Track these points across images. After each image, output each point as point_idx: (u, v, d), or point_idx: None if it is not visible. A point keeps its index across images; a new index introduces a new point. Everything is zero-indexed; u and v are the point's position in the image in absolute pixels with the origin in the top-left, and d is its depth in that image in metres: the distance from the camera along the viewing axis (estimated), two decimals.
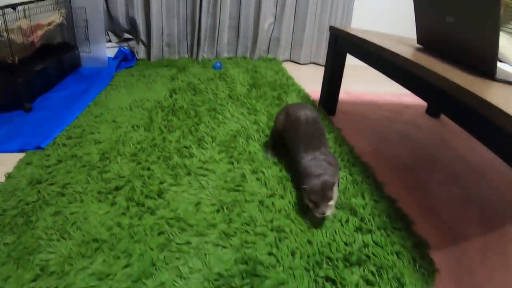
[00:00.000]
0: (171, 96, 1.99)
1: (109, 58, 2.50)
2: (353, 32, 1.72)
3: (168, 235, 1.06)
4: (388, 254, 1.08)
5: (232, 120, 1.80)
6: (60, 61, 2.11)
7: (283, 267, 1.00)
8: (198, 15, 2.68)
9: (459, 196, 1.45)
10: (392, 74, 1.44)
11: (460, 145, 1.89)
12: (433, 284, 1.02)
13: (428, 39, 1.47)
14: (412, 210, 1.32)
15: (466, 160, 1.74)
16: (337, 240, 1.11)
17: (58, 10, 2.19)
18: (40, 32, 1.96)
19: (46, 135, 1.51)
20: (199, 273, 0.95)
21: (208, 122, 1.76)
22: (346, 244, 1.10)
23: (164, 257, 0.99)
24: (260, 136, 1.68)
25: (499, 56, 1.22)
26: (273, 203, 1.24)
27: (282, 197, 1.27)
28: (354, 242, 1.11)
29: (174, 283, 0.92)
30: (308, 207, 1.16)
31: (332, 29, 1.91)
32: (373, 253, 1.08)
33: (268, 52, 3.07)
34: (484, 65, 1.11)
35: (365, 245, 1.11)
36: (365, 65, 1.71)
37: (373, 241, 1.13)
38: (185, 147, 1.52)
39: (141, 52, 2.70)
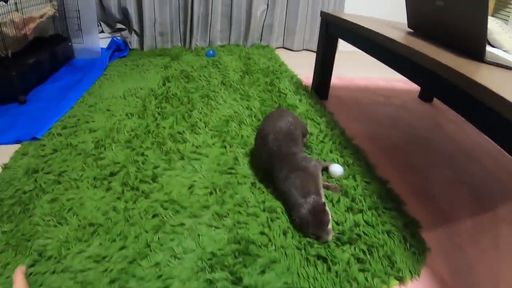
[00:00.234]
0: (164, 84, 2.00)
1: (102, 48, 2.50)
2: (344, 17, 1.73)
3: (162, 217, 1.08)
4: (379, 233, 1.11)
5: (225, 106, 1.82)
6: (53, 53, 2.12)
7: (275, 246, 1.03)
8: (190, 3, 2.68)
9: (451, 178, 1.47)
10: (382, 57, 1.46)
11: (452, 129, 1.91)
12: (424, 262, 1.04)
13: (418, 23, 1.48)
14: (404, 191, 1.34)
15: (459, 144, 1.76)
16: None
17: (50, 2, 2.19)
18: (32, 25, 1.96)
19: (41, 126, 1.52)
20: (192, 253, 0.98)
21: (201, 108, 1.77)
22: (337, 223, 1.12)
23: (158, 238, 1.01)
24: (252, 120, 1.70)
25: (492, 42, 1.24)
26: (265, 185, 1.26)
27: None
28: (345, 221, 1.13)
29: (169, 263, 0.94)
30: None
31: (323, 14, 1.92)
32: (364, 232, 1.10)
33: (261, 40, 3.07)
34: (474, 47, 1.12)
35: (356, 225, 1.13)
36: (358, 51, 1.72)
37: (364, 221, 1.15)
38: (179, 132, 1.54)
39: (134, 42, 2.70)
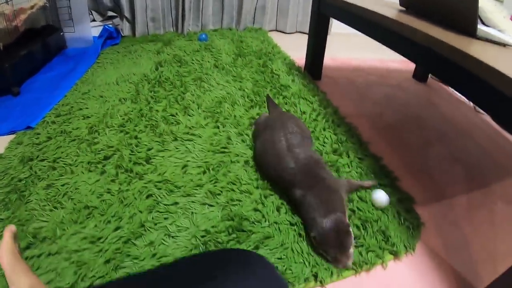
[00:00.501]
0: (157, 69, 2.00)
1: (94, 37, 2.47)
2: None
3: (156, 197, 1.10)
4: (373, 208, 1.12)
5: (217, 88, 1.82)
6: (45, 44, 2.10)
7: (268, 222, 1.04)
8: None
9: (446, 155, 1.48)
10: (374, 35, 1.44)
11: (446, 107, 1.91)
12: (419, 237, 1.05)
13: (410, 0, 1.46)
14: (398, 168, 1.34)
15: (453, 122, 1.76)
16: None
17: None
18: (23, 16, 1.94)
19: (35, 116, 1.53)
20: (186, 231, 0.99)
21: (194, 90, 1.77)
22: None
23: (152, 218, 1.02)
24: (245, 101, 1.70)
25: (486, 21, 1.22)
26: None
27: None
28: None
29: (163, 241, 0.96)
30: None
31: None
32: (358, 208, 1.12)
33: (254, 23, 3.04)
34: (465, 24, 1.11)
35: (350, 200, 1.14)
36: (353, 33, 1.70)
37: (358, 197, 1.16)
38: (172, 115, 1.54)
39: (126, 29, 2.68)
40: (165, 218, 1.02)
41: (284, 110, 1.62)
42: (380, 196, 1.13)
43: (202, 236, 0.97)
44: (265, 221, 1.04)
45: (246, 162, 1.28)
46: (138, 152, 1.30)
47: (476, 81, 0.87)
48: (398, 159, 1.41)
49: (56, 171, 1.20)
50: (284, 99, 1.73)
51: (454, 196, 1.25)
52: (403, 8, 1.53)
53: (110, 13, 2.69)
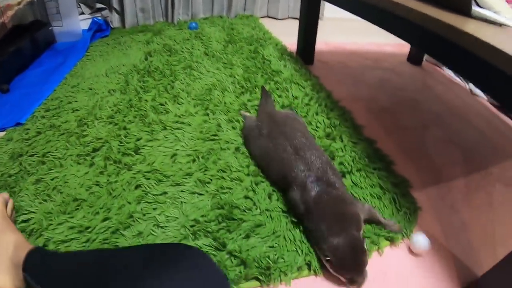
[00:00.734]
0: (146, 59, 1.98)
1: (83, 30, 2.44)
2: None
3: (145, 187, 1.08)
4: (367, 195, 1.10)
5: (207, 75, 1.80)
6: (33, 40, 2.08)
7: (259, 209, 1.02)
8: None
9: (442, 138, 1.46)
10: (367, 15, 1.41)
11: (442, 90, 1.88)
12: (416, 222, 1.03)
13: None
14: (393, 151, 1.32)
15: (449, 105, 1.73)
16: None
17: None
18: (10, 13, 1.92)
19: (24, 111, 1.51)
20: (175, 221, 0.97)
21: (184, 79, 1.75)
22: None
23: (141, 208, 1.01)
24: (235, 87, 1.68)
25: (482, 3, 1.20)
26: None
27: None
28: None
29: (152, 231, 0.94)
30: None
31: None
32: (352, 194, 1.09)
33: (244, 10, 3.01)
34: (460, 3, 1.08)
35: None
36: (346, 18, 1.67)
37: (352, 182, 1.14)
38: (161, 104, 1.53)
39: (115, 20, 2.65)
40: (154, 209, 1.01)
41: (276, 96, 1.60)
42: (419, 240, 0.95)
43: (192, 226, 0.95)
44: (256, 208, 1.02)
45: (237, 148, 1.26)
46: (127, 143, 1.28)
47: (472, 59, 0.85)
48: (393, 143, 1.39)
49: (46, 166, 1.18)
50: (276, 84, 1.71)
51: (451, 179, 1.23)
52: None
53: (99, 5, 2.66)
